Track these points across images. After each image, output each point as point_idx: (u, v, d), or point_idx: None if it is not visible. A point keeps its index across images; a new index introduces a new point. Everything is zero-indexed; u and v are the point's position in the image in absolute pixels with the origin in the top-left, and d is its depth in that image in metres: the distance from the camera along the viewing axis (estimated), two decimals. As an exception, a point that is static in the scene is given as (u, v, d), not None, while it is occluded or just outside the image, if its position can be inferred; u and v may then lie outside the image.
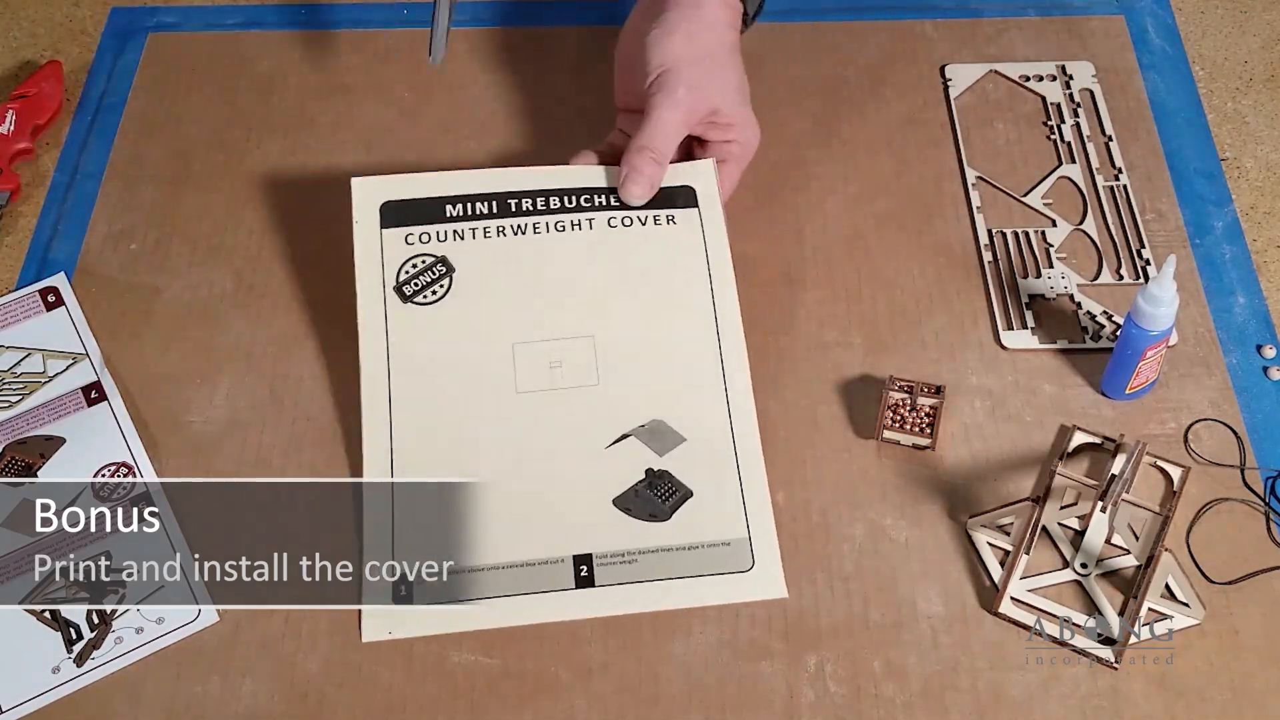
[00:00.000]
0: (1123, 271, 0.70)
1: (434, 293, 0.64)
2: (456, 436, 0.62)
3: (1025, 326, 0.68)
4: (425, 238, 0.65)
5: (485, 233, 0.65)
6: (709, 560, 0.59)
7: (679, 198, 0.66)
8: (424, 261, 0.65)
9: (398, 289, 0.64)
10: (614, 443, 0.61)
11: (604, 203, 0.66)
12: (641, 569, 0.59)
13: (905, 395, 0.64)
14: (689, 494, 0.60)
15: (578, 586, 0.58)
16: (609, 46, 0.70)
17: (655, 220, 0.65)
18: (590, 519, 0.60)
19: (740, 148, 0.68)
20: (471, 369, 0.63)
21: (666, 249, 0.65)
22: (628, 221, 0.65)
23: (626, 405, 0.62)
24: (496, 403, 0.62)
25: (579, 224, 0.66)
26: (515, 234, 0.65)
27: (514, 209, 0.66)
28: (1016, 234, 0.72)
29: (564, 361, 0.63)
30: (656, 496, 0.60)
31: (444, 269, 0.65)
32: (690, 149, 0.69)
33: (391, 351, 0.63)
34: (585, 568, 0.59)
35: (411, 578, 0.59)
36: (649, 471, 0.61)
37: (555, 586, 0.59)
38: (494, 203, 0.66)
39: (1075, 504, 0.61)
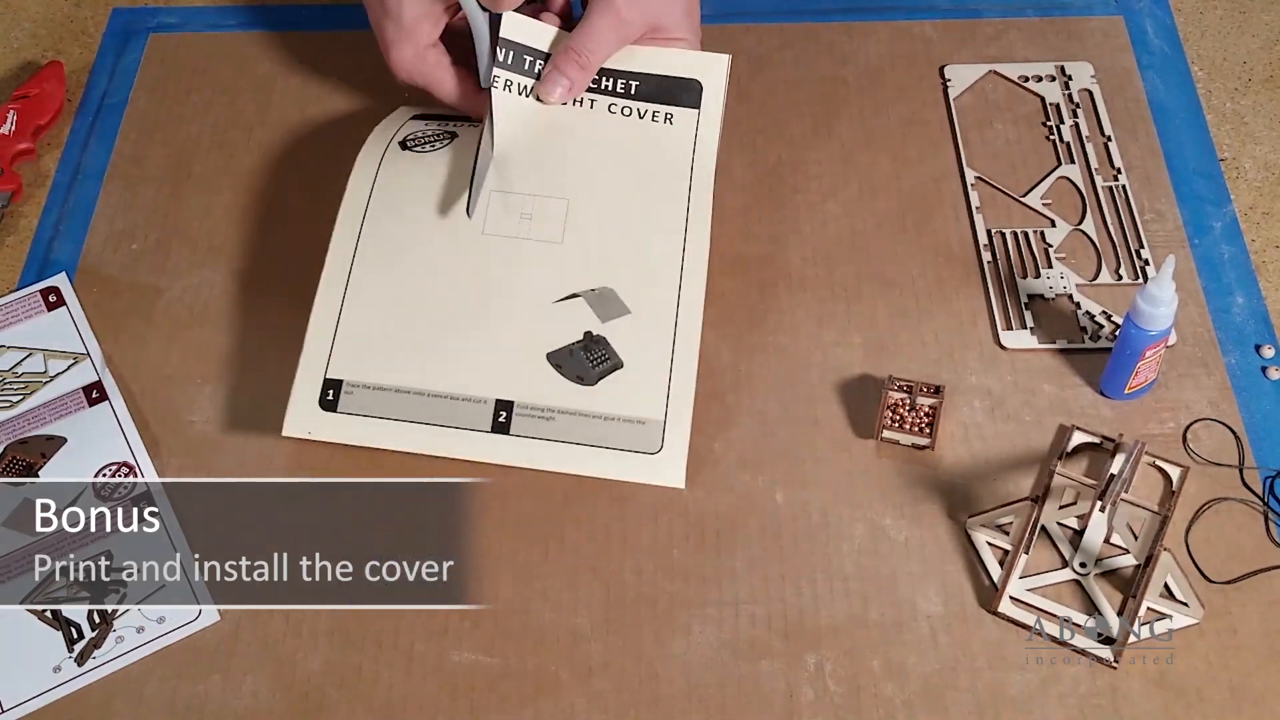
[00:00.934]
0: (1122, 271, 0.70)
1: (433, 146, 0.67)
2: (415, 264, 0.63)
3: (1024, 326, 0.68)
4: (445, 121, 0.69)
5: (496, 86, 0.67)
6: (621, 435, 0.60)
7: (684, 94, 0.66)
8: (435, 129, 0.68)
9: (401, 143, 0.67)
10: (562, 299, 0.62)
11: (609, 87, 0.67)
12: (557, 428, 0.60)
13: (904, 395, 0.64)
14: (619, 365, 0.61)
15: (493, 430, 0.59)
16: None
17: (654, 117, 0.66)
18: (521, 368, 0.61)
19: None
20: (445, 206, 0.65)
21: (657, 146, 0.66)
22: (626, 112, 0.67)
23: (584, 268, 0.63)
24: (461, 239, 0.64)
25: (581, 101, 0.67)
26: (520, 93, 0.67)
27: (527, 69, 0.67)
28: (1016, 234, 0.72)
29: (535, 215, 0.64)
30: (588, 360, 0.60)
31: (450, 136, 0.67)
32: None
33: (376, 184, 0.65)
34: (505, 414, 0.60)
35: (340, 386, 0.60)
36: (587, 335, 0.61)
37: (472, 426, 0.59)
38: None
39: (1074, 503, 0.61)
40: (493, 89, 0.66)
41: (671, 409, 0.61)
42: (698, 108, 0.66)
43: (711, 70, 0.66)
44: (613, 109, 0.67)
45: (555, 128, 0.67)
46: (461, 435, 0.60)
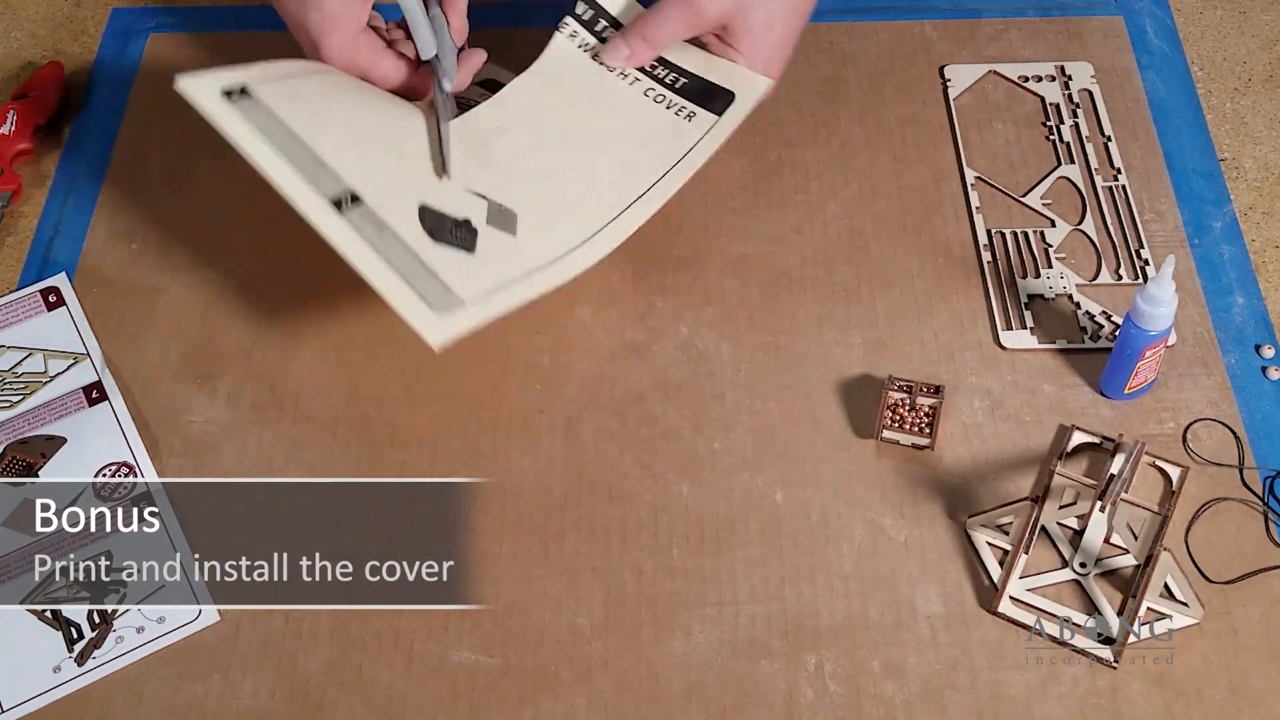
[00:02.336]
0: (1121, 272, 0.70)
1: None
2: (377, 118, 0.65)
3: (1024, 326, 0.68)
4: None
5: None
6: (421, 280, 0.59)
7: (715, 100, 0.67)
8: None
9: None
10: (474, 191, 0.63)
11: (660, 75, 0.68)
12: (379, 238, 0.60)
13: (904, 395, 0.64)
14: (469, 250, 0.62)
15: (332, 205, 0.60)
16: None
17: (679, 111, 0.67)
18: (394, 185, 0.62)
19: (739, 57, 0.67)
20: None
21: (665, 130, 0.67)
22: (659, 99, 0.68)
23: (512, 182, 0.64)
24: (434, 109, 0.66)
25: (628, 74, 0.68)
26: (581, 48, 0.69)
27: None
28: (1015, 234, 0.72)
29: (512, 128, 0.66)
30: (449, 229, 0.61)
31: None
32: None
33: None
34: (352, 202, 0.61)
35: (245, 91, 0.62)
36: (466, 222, 0.62)
37: (321, 192, 0.60)
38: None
39: (1074, 503, 0.61)
40: (558, 33, 0.68)
41: (479, 303, 0.59)
42: (719, 115, 0.66)
43: (749, 88, 0.67)
44: (649, 93, 0.68)
45: (587, 88, 0.68)
46: (306, 194, 0.61)
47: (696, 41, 0.69)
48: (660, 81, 0.68)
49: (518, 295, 0.60)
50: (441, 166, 0.66)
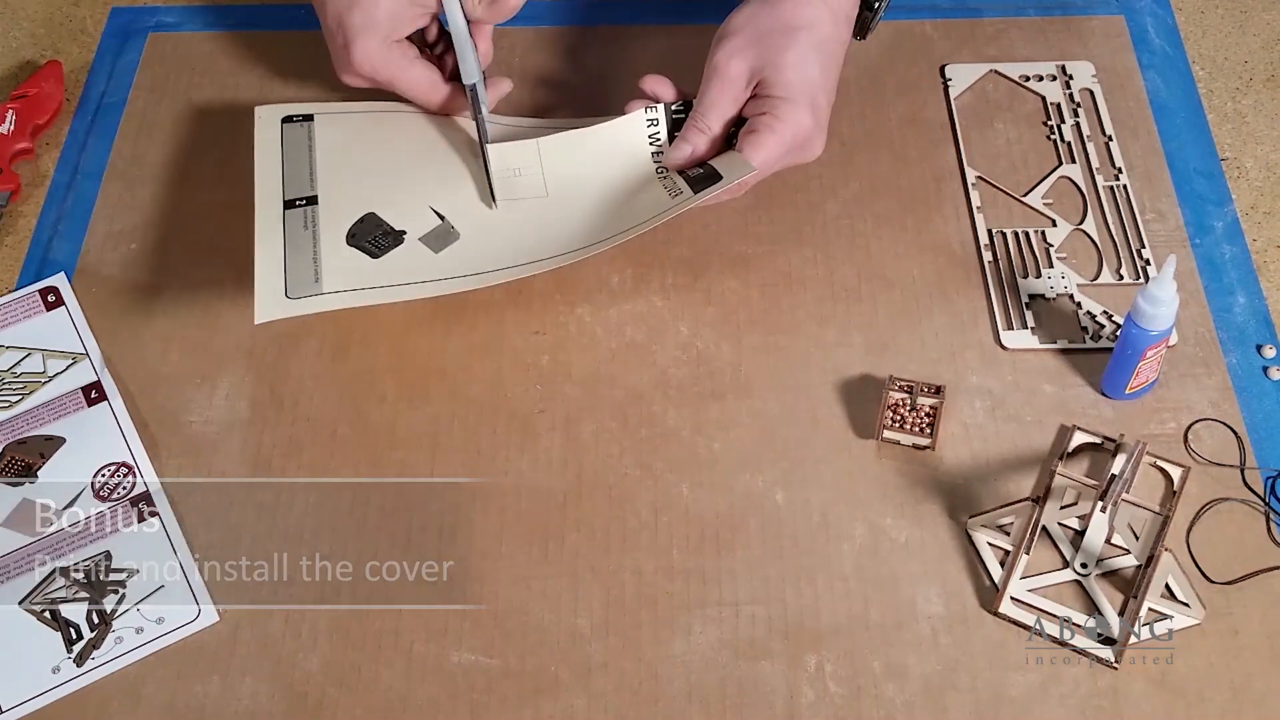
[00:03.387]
0: (1123, 271, 0.70)
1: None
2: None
3: (1025, 326, 0.68)
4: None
5: None
6: (299, 265, 0.64)
7: (706, 178, 0.66)
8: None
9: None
10: (434, 210, 0.67)
11: (662, 135, 0.69)
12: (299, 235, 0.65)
13: (905, 395, 0.64)
14: (372, 255, 0.65)
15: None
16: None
17: (670, 177, 0.68)
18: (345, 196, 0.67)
19: (779, 124, 0.65)
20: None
21: (653, 203, 0.67)
22: (659, 165, 0.69)
23: (491, 216, 0.68)
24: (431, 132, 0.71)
25: (665, 171, 0.69)
26: (650, 141, 0.70)
27: None
28: (1016, 234, 0.72)
29: (531, 174, 0.69)
30: (368, 233, 0.66)
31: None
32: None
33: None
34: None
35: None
36: (395, 233, 0.66)
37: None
38: None
39: (1075, 504, 0.61)
40: (639, 111, 0.69)
41: (328, 296, 0.63)
42: (697, 193, 0.65)
43: (733, 168, 0.66)
44: (665, 181, 0.69)
45: (626, 169, 0.69)
46: (268, 190, 0.66)
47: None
48: (685, 177, 0.68)
49: (366, 298, 0.64)
50: (489, 194, 0.68)
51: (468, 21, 0.68)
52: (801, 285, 0.70)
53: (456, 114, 0.72)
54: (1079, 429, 0.64)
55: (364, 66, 0.68)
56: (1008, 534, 0.61)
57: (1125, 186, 0.73)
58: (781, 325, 0.68)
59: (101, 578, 0.61)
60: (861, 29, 0.70)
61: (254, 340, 0.68)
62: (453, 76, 0.71)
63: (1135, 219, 0.72)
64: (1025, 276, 0.70)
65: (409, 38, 0.70)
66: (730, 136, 0.68)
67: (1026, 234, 0.72)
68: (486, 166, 0.68)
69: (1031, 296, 0.69)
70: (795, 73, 0.65)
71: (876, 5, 0.69)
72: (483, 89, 0.70)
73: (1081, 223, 0.72)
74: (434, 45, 0.72)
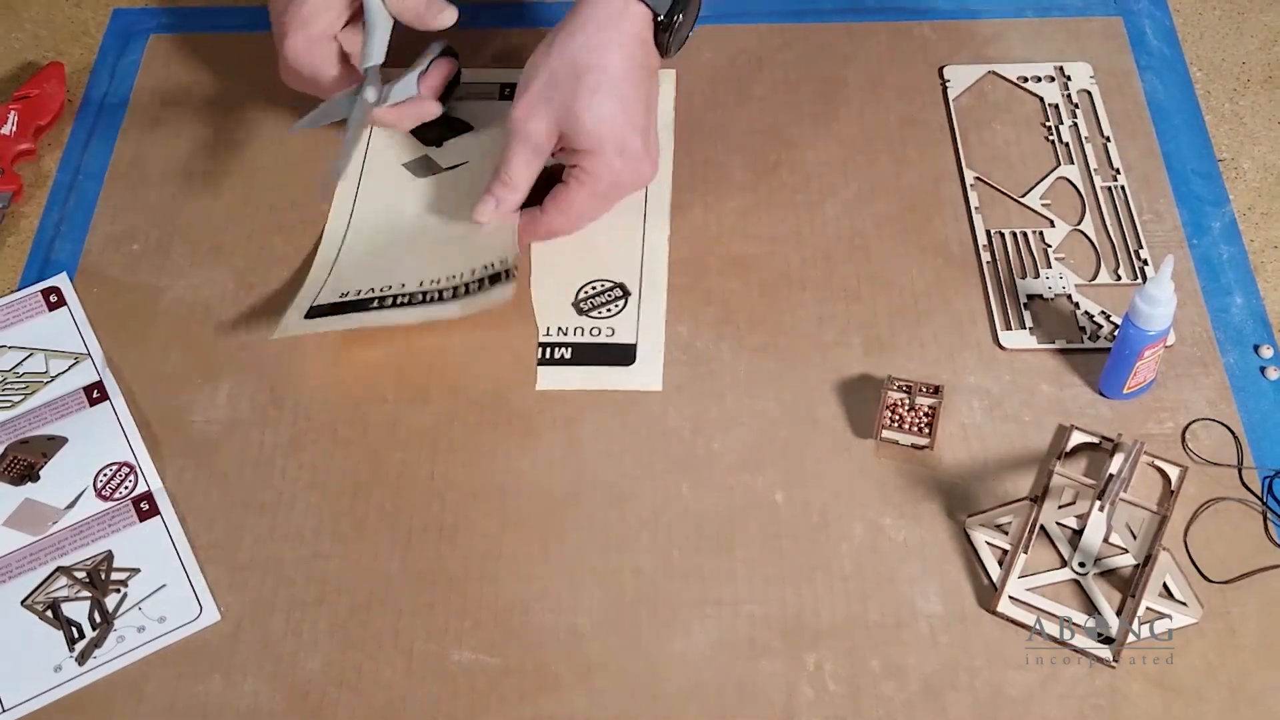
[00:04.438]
0: (1121, 272, 0.70)
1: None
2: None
3: (1023, 326, 0.68)
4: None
5: None
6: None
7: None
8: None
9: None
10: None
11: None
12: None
13: (904, 395, 0.65)
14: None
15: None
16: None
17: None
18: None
19: (587, 176, 0.66)
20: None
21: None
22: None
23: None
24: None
25: None
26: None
27: None
28: (1015, 234, 0.72)
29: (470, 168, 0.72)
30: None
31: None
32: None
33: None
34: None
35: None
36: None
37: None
38: None
39: (1073, 503, 0.61)
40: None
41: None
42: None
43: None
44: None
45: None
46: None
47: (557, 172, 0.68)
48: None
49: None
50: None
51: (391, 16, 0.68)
52: (801, 285, 0.70)
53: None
54: (1077, 429, 0.64)
55: (290, 60, 0.69)
56: (1006, 533, 0.61)
57: (1123, 187, 0.74)
58: (781, 325, 0.69)
59: (103, 577, 0.61)
60: (663, 48, 0.67)
61: (255, 340, 0.68)
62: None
63: (1133, 219, 0.72)
64: (1023, 277, 0.70)
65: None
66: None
67: (1025, 234, 0.72)
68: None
69: (1030, 297, 0.69)
70: (592, 120, 0.64)
71: (675, 22, 0.66)
72: (375, 77, 0.69)
73: (1079, 223, 0.72)
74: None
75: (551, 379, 0.66)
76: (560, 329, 0.68)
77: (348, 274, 0.69)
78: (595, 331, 0.67)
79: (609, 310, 0.68)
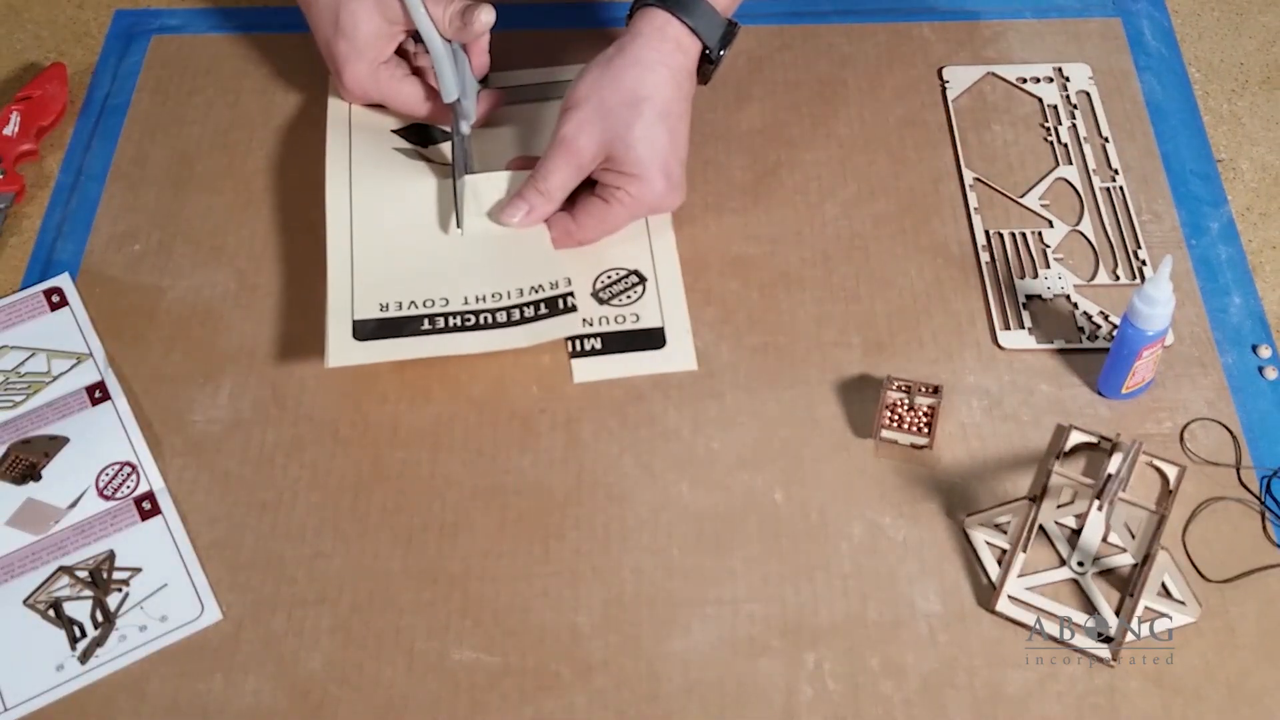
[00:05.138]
0: (1119, 272, 0.70)
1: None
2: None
3: (1022, 326, 0.68)
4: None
5: None
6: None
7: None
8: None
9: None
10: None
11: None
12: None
13: (903, 395, 0.65)
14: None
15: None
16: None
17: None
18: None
19: (630, 199, 0.67)
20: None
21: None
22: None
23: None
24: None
25: None
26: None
27: None
28: (1014, 235, 0.72)
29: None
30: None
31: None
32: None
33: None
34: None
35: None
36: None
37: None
38: None
39: (1072, 503, 0.62)
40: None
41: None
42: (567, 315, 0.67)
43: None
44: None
45: None
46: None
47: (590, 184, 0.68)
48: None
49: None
50: (456, 221, 0.69)
51: (447, 40, 0.68)
52: (800, 285, 0.70)
53: (448, 122, 0.72)
54: (1076, 428, 0.64)
55: (356, 90, 0.71)
56: (1005, 533, 0.61)
57: (1122, 188, 0.74)
58: (780, 325, 0.69)
59: (105, 576, 0.61)
60: (705, 77, 0.70)
61: (256, 340, 0.69)
62: None
63: (1132, 220, 0.72)
64: (1022, 277, 0.70)
65: (398, 52, 0.71)
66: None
67: (1024, 235, 0.72)
68: (457, 191, 0.69)
69: (1029, 297, 0.69)
70: (645, 148, 0.66)
71: (719, 56, 0.68)
72: (470, 103, 0.70)
73: (1078, 224, 0.72)
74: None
75: (588, 370, 0.66)
76: (585, 320, 0.67)
77: (377, 282, 0.66)
78: (620, 319, 0.68)
79: (629, 297, 0.68)
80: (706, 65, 0.69)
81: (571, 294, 0.67)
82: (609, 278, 0.69)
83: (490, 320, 0.65)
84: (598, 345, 0.67)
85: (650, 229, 0.71)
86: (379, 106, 0.74)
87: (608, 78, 0.66)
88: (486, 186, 0.70)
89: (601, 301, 0.68)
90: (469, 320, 0.65)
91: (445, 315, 0.65)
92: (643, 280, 0.69)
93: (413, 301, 0.66)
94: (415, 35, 0.70)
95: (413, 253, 0.68)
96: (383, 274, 0.67)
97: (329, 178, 0.70)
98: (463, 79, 0.70)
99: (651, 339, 0.67)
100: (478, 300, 0.66)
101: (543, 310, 0.66)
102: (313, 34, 0.72)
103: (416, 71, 0.73)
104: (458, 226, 0.69)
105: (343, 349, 0.64)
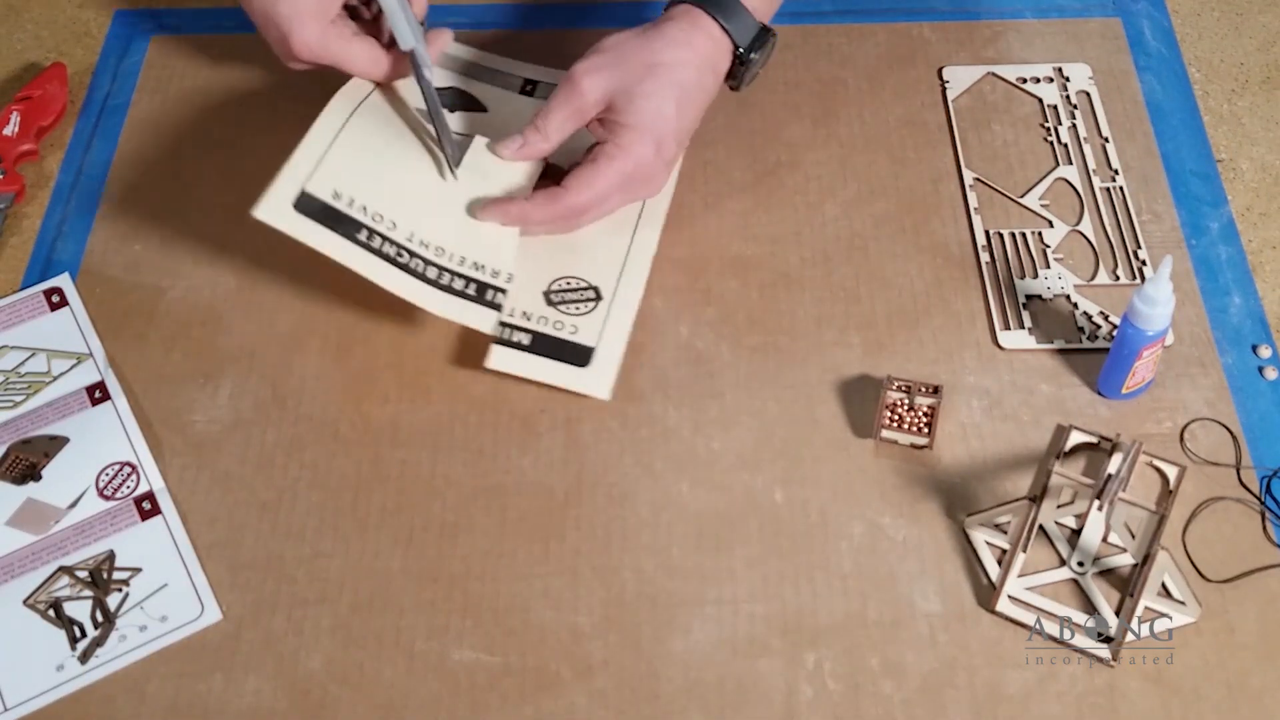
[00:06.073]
0: (1119, 272, 0.70)
1: None
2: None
3: (1022, 327, 0.68)
4: None
5: None
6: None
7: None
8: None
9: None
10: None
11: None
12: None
13: (903, 395, 0.65)
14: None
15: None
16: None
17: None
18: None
19: (618, 152, 0.66)
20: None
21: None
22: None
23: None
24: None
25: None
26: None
27: None
28: (1014, 235, 0.72)
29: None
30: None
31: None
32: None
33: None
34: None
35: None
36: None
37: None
38: None
39: (1072, 503, 0.62)
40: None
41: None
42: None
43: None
44: None
45: None
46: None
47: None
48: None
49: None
50: (447, 163, 0.67)
51: None
52: (800, 285, 0.70)
53: (405, 77, 0.71)
54: (1075, 428, 0.64)
55: (304, 53, 0.68)
56: (1005, 533, 0.61)
57: (1121, 188, 0.74)
58: (780, 325, 0.69)
59: (105, 576, 0.61)
60: (737, 81, 0.69)
61: (256, 340, 0.69)
62: (392, 42, 0.69)
63: (1131, 220, 0.73)
64: (1022, 277, 0.70)
65: (345, 8, 0.69)
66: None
67: (1024, 235, 0.72)
68: (440, 134, 0.67)
69: (1028, 297, 0.69)
70: (647, 103, 0.65)
71: (752, 58, 0.68)
72: (423, 49, 0.68)
73: (1078, 224, 0.73)
74: (369, 3, 0.71)
75: (501, 360, 0.65)
76: (525, 313, 0.67)
77: (344, 170, 0.65)
78: (559, 325, 0.66)
79: (578, 309, 0.67)
80: (739, 68, 0.68)
81: (503, 291, 0.66)
82: (567, 284, 0.68)
83: (419, 269, 0.64)
84: (525, 341, 0.66)
85: (630, 250, 0.70)
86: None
87: (634, 40, 0.66)
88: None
89: (550, 303, 0.67)
90: (401, 256, 0.64)
91: (385, 238, 0.64)
92: (598, 298, 0.68)
93: (364, 207, 0.64)
94: None
95: (395, 165, 0.67)
96: (355, 166, 0.65)
97: (350, 82, 0.69)
98: (414, 29, 0.69)
99: (577, 355, 0.65)
100: (421, 245, 0.65)
101: (469, 290, 0.65)
102: (246, 9, 0.68)
103: (362, 27, 0.70)
104: (451, 172, 0.68)
105: (277, 209, 0.62)
